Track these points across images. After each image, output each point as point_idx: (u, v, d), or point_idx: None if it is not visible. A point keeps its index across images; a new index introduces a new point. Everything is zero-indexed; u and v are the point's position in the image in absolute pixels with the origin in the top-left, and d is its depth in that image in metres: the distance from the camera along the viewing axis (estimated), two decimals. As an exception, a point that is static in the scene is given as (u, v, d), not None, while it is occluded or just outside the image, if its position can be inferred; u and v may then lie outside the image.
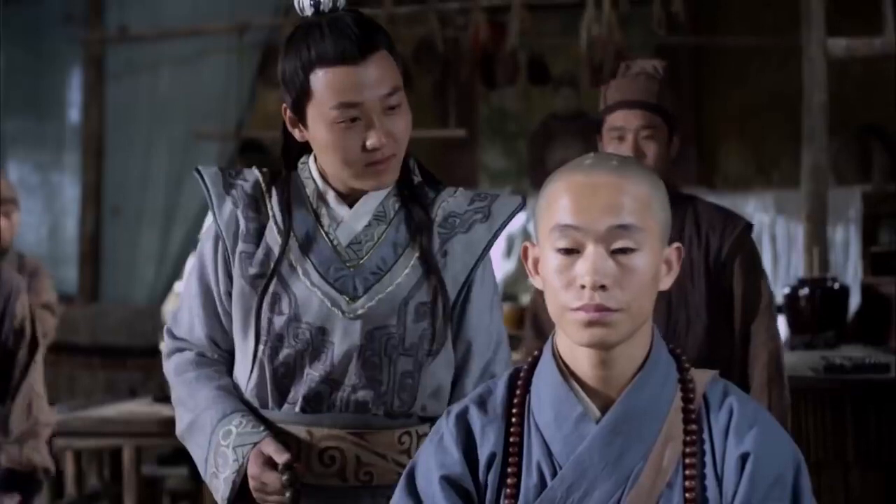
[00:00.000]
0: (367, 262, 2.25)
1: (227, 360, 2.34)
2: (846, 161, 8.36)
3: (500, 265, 9.09)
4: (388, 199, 2.30)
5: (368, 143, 2.18)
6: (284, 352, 2.24)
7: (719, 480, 1.80)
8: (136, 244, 8.12)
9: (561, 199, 1.79)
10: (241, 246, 2.28)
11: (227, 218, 2.29)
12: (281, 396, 2.25)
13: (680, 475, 1.80)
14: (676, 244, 1.86)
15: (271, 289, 2.23)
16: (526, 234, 8.74)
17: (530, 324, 3.36)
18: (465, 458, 1.86)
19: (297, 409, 2.24)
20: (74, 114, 8.85)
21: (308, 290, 2.23)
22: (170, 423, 2.67)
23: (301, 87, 2.21)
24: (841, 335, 5.59)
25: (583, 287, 1.76)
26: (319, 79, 2.18)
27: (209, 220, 2.35)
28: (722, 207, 3.37)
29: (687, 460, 1.80)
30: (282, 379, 2.25)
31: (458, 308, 2.30)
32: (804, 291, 5.62)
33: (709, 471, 1.81)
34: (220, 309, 2.31)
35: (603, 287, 1.75)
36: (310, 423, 2.24)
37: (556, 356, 1.86)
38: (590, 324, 1.76)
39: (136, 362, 7.17)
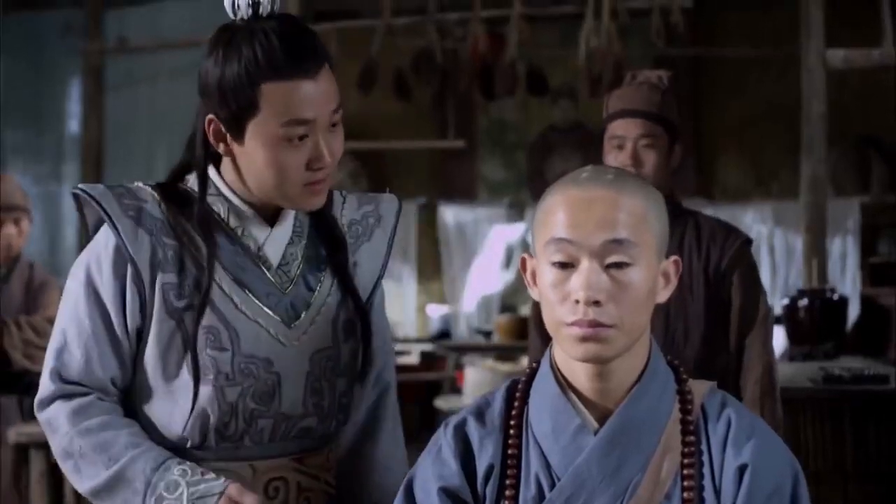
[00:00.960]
0: (298, 283, 2.12)
1: (122, 400, 2.09)
2: (845, 172, 8.37)
3: (500, 276, 9.09)
4: (299, 213, 2.15)
5: (316, 164, 2.02)
6: (230, 390, 2.04)
7: (717, 492, 1.80)
8: (135, 255, 8.13)
9: (557, 213, 1.79)
10: (162, 277, 2.04)
11: (141, 246, 2.03)
12: (220, 436, 2.06)
13: (678, 486, 1.80)
14: (674, 257, 1.86)
15: (205, 322, 2.03)
16: (524, 246, 8.75)
17: (536, 331, 3.35)
18: (464, 470, 1.86)
19: (239, 445, 2.08)
20: (74, 125, 8.88)
21: (248, 322, 2.06)
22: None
23: (245, 100, 1.99)
24: (840, 346, 5.59)
25: (577, 302, 1.76)
26: (269, 92, 1.98)
27: (99, 245, 2.07)
28: (722, 221, 3.39)
29: (685, 472, 1.80)
30: (222, 417, 2.05)
31: None
32: (803, 302, 5.62)
33: (707, 482, 1.81)
34: (124, 347, 2.06)
35: (597, 302, 1.75)
36: (252, 458, 2.08)
37: (554, 368, 1.86)
38: (584, 339, 1.76)
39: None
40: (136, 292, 2.04)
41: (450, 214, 9.10)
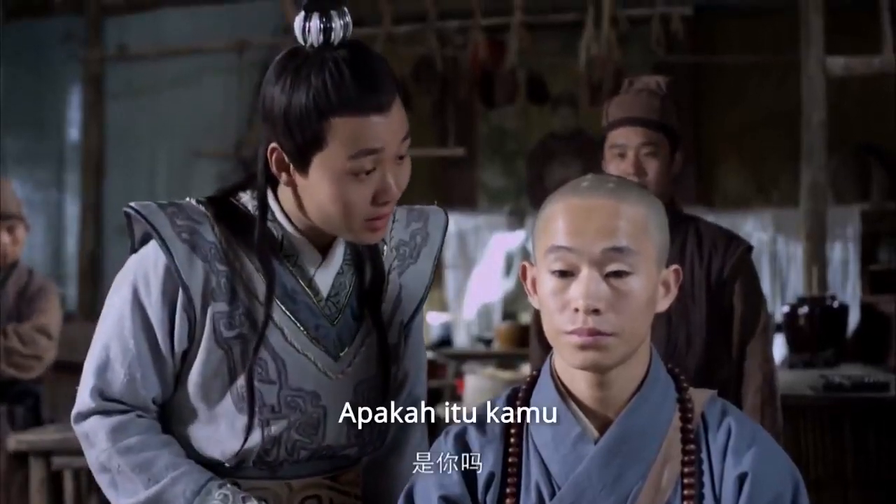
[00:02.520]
0: (345, 313, 2.08)
1: (160, 414, 2.07)
2: (845, 179, 8.37)
3: (500, 283, 9.09)
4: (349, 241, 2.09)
5: (382, 198, 1.94)
6: (275, 423, 2.02)
7: (717, 500, 1.80)
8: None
9: (557, 221, 1.80)
10: (214, 306, 1.98)
11: (195, 273, 1.98)
12: (260, 460, 2.04)
13: (678, 495, 1.80)
14: (675, 266, 1.86)
15: (258, 354, 1.99)
16: (525, 254, 8.75)
17: (537, 339, 3.34)
18: (464, 479, 1.86)
19: (278, 469, 2.06)
20: (74, 132, 8.88)
21: (297, 355, 2.02)
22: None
23: (312, 134, 1.90)
24: (840, 354, 5.60)
25: (576, 310, 1.76)
26: (338, 127, 1.89)
27: (148, 262, 2.02)
28: (723, 228, 3.39)
29: (685, 480, 1.80)
30: (264, 446, 2.03)
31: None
32: (803, 310, 5.63)
33: (707, 491, 1.81)
34: (168, 367, 2.02)
35: (596, 311, 1.75)
36: (290, 478, 2.07)
37: (554, 376, 1.86)
38: (583, 347, 1.76)
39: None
40: (186, 318, 1.99)
41: (450, 222, 9.09)
